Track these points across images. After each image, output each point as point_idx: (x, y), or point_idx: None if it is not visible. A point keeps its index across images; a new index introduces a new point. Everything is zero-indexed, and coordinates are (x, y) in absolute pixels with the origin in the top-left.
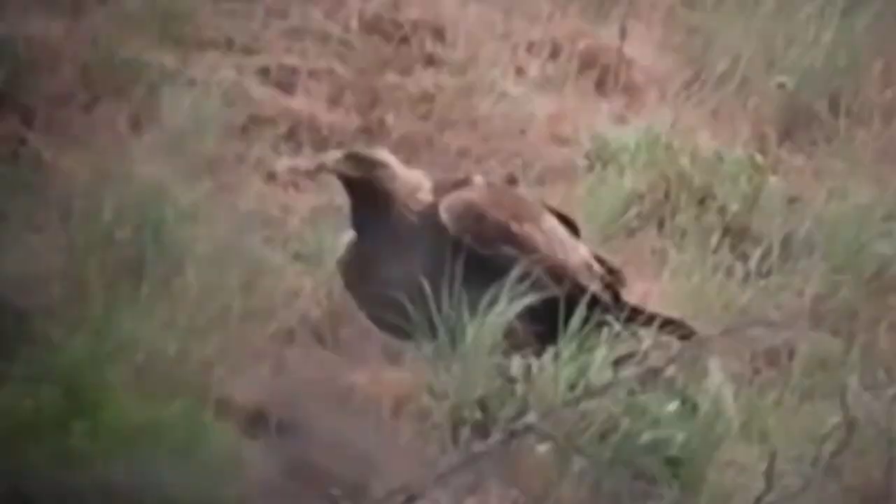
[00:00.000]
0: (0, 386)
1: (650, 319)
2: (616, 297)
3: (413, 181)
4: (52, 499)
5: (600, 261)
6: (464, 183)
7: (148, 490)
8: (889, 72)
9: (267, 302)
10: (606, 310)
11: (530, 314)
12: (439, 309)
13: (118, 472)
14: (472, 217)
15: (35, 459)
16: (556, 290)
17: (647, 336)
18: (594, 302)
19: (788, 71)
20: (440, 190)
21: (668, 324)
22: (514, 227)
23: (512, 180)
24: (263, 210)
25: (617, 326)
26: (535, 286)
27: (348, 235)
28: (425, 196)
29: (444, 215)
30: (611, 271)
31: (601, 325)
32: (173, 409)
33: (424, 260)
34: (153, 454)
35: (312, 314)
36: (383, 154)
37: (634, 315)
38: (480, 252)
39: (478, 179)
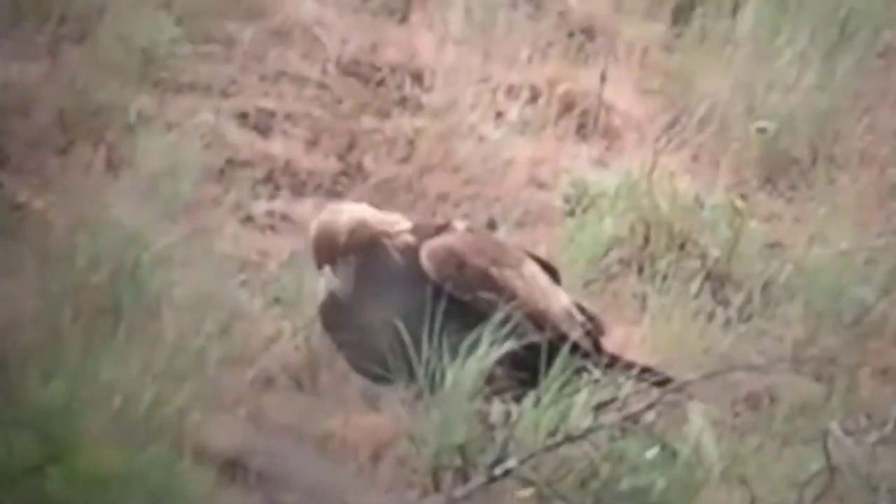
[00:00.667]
0: None
1: (628, 367)
2: (596, 345)
3: (392, 226)
4: None
5: (581, 308)
6: (445, 228)
7: None
8: (870, 117)
9: (245, 347)
10: (586, 356)
11: (511, 360)
12: (419, 354)
13: None
14: (454, 263)
15: None
16: (536, 337)
17: (629, 381)
18: (574, 349)
19: (768, 115)
20: (421, 234)
21: (645, 372)
22: (495, 273)
23: (492, 225)
24: (241, 254)
25: (597, 373)
26: (516, 332)
27: (326, 281)
28: (405, 239)
29: (425, 261)
30: (591, 319)
31: (581, 370)
32: (150, 456)
33: (404, 304)
34: (129, 501)
35: (291, 359)
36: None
37: (613, 362)
38: (461, 297)
39: (458, 225)
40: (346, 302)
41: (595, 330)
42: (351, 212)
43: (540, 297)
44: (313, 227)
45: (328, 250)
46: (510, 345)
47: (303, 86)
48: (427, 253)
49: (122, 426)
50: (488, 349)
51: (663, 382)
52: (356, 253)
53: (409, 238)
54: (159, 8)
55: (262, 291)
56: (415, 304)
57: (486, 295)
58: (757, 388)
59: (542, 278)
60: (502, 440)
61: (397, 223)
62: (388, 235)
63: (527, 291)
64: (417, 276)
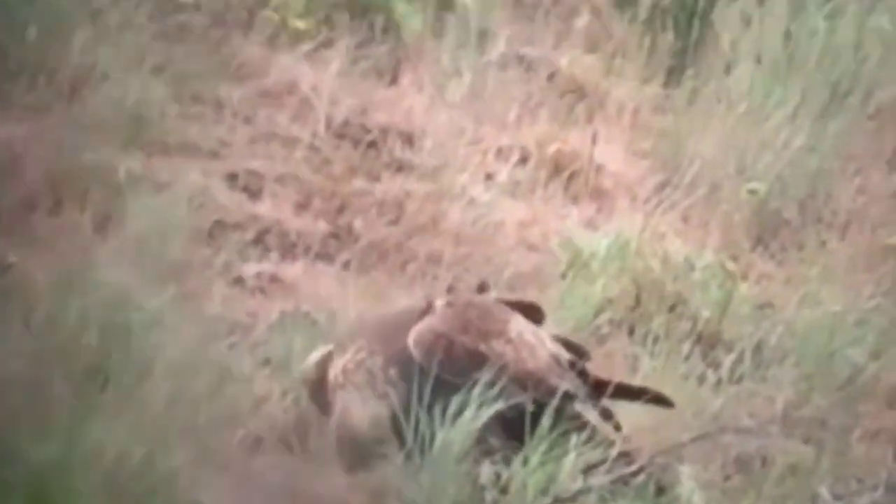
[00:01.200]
0: None
1: (623, 392)
2: (584, 377)
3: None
4: None
5: (564, 343)
6: (427, 310)
7: None
8: (861, 178)
9: (234, 408)
10: (580, 401)
11: (500, 421)
12: (407, 417)
13: None
14: (442, 347)
15: None
16: (522, 397)
17: (618, 442)
18: (566, 397)
19: (759, 177)
20: (407, 321)
21: (642, 393)
22: (483, 348)
23: (483, 287)
24: (230, 315)
25: (593, 417)
26: (504, 393)
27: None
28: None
29: (413, 348)
30: (575, 351)
31: (569, 432)
32: None
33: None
34: None
35: (280, 421)
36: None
37: (604, 389)
38: (452, 381)
39: (438, 303)
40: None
41: (581, 360)
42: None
43: (528, 357)
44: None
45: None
46: (498, 406)
47: (293, 147)
48: (415, 339)
49: (113, 486)
50: (476, 411)
51: (661, 403)
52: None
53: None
54: (148, 69)
55: (251, 353)
56: (404, 381)
57: (477, 374)
58: (747, 450)
59: (528, 331)
60: (492, 502)
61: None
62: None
63: (515, 355)
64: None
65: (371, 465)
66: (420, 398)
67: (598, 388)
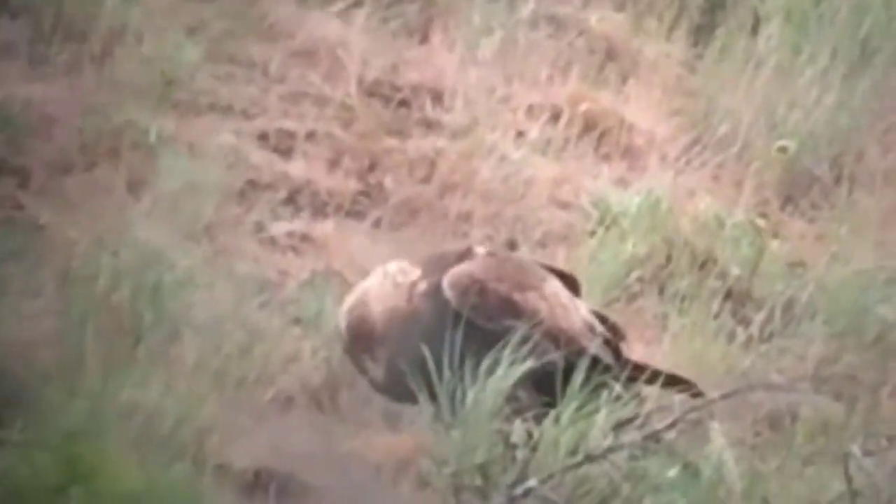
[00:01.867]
0: None
1: (653, 377)
2: (616, 354)
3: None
4: None
5: (600, 317)
6: (465, 255)
7: None
8: (891, 136)
9: (265, 367)
10: (608, 370)
11: (532, 379)
12: (440, 374)
13: None
14: (475, 291)
15: None
16: (555, 355)
17: (649, 399)
18: (595, 363)
19: (790, 135)
20: (435, 269)
21: (671, 381)
22: (517, 297)
23: (512, 245)
24: (261, 274)
25: (618, 388)
26: (535, 351)
27: (350, 301)
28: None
29: (447, 290)
30: (611, 328)
31: (601, 387)
32: (172, 475)
33: (426, 327)
34: None
35: (311, 379)
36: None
37: (637, 372)
38: (484, 326)
39: (479, 250)
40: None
41: (616, 338)
42: (376, 297)
43: (562, 316)
44: (344, 320)
45: (365, 342)
46: (529, 364)
47: (324, 106)
48: (449, 282)
49: (144, 446)
50: (508, 369)
51: (690, 393)
52: (389, 334)
53: (422, 285)
54: (180, 29)
55: (282, 311)
56: (436, 329)
57: (509, 322)
58: (778, 407)
59: (564, 294)
60: (523, 460)
61: (409, 274)
62: (409, 298)
63: (548, 311)
64: (437, 307)
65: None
66: (451, 350)
67: (630, 368)
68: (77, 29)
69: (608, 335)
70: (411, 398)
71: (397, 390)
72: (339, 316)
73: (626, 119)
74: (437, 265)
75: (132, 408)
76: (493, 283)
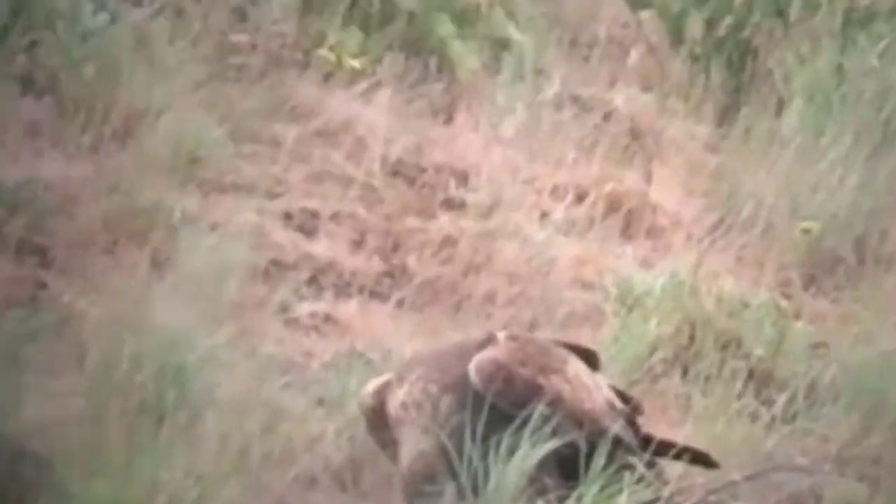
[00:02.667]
0: None
1: (669, 450)
2: (636, 431)
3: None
4: None
5: (618, 393)
6: (487, 341)
7: None
8: None
9: (288, 447)
10: (629, 450)
11: (554, 460)
12: (461, 455)
13: None
14: (502, 377)
15: None
16: (576, 434)
17: (671, 481)
18: (617, 443)
19: (813, 216)
20: (463, 353)
21: (688, 454)
22: (542, 382)
23: (536, 326)
24: (285, 355)
25: (640, 467)
26: (558, 432)
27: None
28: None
29: (473, 378)
30: (629, 403)
31: (624, 468)
32: None
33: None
34: None
35: (334, 460)
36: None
37: (656, 448)
38: (511, 413)
39: (500, 335)
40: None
41: (634, 412)
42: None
43: (585, 397)
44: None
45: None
46: (551, 445)
47: (347, 186)
48: (475, 369)
49: None
50: (530, 450)
51: (708, 465)
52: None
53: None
54: (203, 108)
55: (305, 392)
56: (457, 421)
57: (534, 406)
58: (801, 488)
59: (585, 374)
60: None
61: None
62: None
63: (572, 394)
64: (459, 400)
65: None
66: (473, 430)
67: (646, 443)
68: (100, 108)
69: (628, 412)
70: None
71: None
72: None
73: (650, 199)
74: (456, 355)
75: (155, 488)
76: (518, 368)
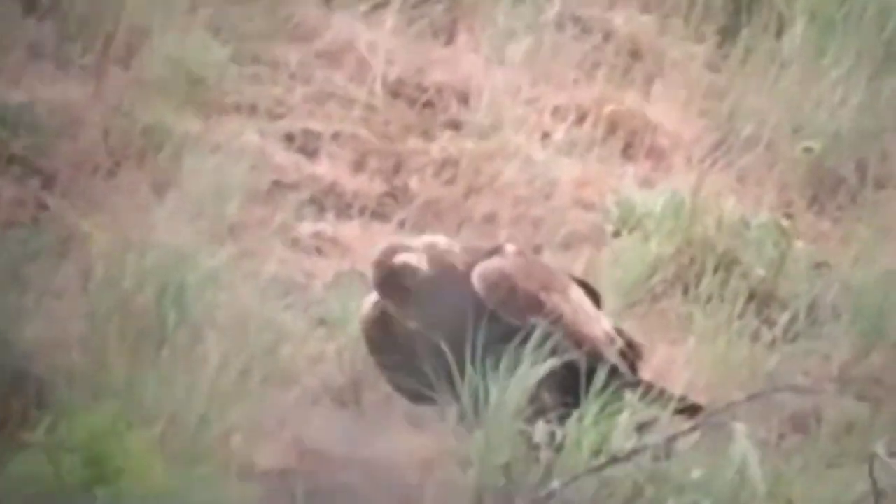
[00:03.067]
0: (21, 453)
1: (662, 397)
2: (633, 370)
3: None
4: None
5: (621, 333)
6: (496, 251)
7: None
8: None
9: (289, 367)
10: (624, 384)
11: (554, 380)
12: (462, 374)
13: None
14: (505, 287)
15: None
16: (576, 354)
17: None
18: (613, 373)
19: (815, 135)
20: (472, 257)
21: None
22: (544, 297)
23: (537, 248)
24: (286, 275)
25: (633, 397)
26: (557, 351)
27: (373, 297)
28: (455, 261)
29: (477, 283)
30: (630, 345)
31: (623, 389)
32: (196, 476)
33: (448, 325)
34: None
35: (335, 380)
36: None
37: (649, 390)
38: (511, 322)
39: (509, 248)
40: (390, 318)
41: (634, 355)
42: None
43: (584, 321)
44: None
45: (399, 293)
46: (551, 363)
47: (349, 107)
48: (479, 275)
49: (169, 447)
50: (530, 368)
51: (696, 411)
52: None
53: (458, 262)
54: (206, 29)
55: (307, 312)
56: (459, 325)
57: (535, 320)
58: (802, 408)
59: (587, 304)
60: (546, 461)
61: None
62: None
63: (573, 314)
64: (463, 298)
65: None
66: (474, 348)
67: (646, 388)
68: (102, 30)
69: (628, 352)
70: (428, 399)
71: (411, 379)
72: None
73: (651, 120)
74: (468, 257)
75: (157, 407)
76: (523, 281)
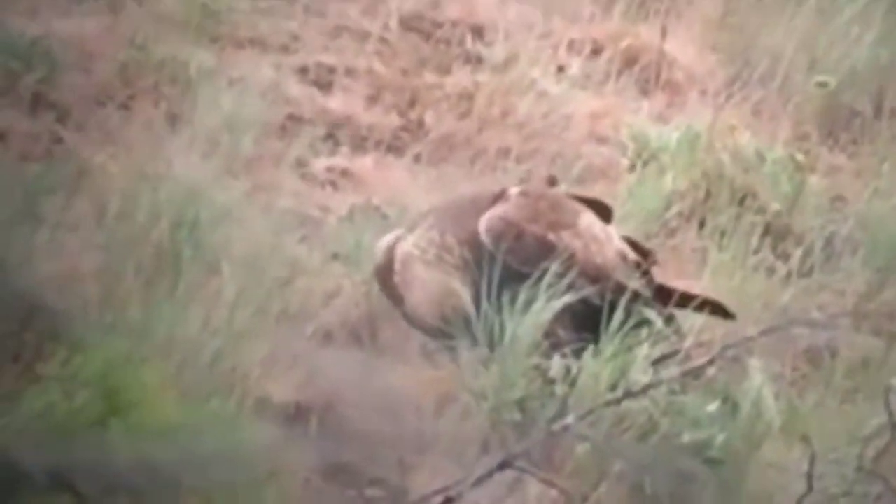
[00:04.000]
0: (35, 386)
1: (686, 300)
2: (650, 281)
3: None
4: (95, 480)
5: (632, 244)
6: (499, 196)
7: (189, 468)
8: None
9: (304, 302)
10: (645, 303)
11: (570, 315)
12: (477, 310)
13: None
14: (512, 235)
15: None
16: (592, 290)
17: (689, 334)
18: (632, 296)
19: (830, 70)
20: (476, 207)
21: (705, 304)
22: (552, 238)
23: (553, 181)
24: (301, 209)
25: (656, 320)
26: (572, 286)
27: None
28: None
29: (483, 234)
30: (643, 254)
31: (641, 324)
32: (211, 409)
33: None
34: (191, 454)
35: (351, 315)
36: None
37: (670, 296)
38: (520, 270)
39: (512, 190)
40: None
41: (648, 263)
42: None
43: (596, 251)
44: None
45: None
46: (566, 299)
47: (363, 41)
48: (485, 227)
49: (184, 380)
50: (545, 304)
51: (722, 315)
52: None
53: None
54: None
55: (322, 246)
56: (473, 270)
57: (545, 263)
58: (817, 343)
59: (597, 226)
60: (562, 395)
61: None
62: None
63: (583, 249)
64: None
65: (448, 341)
66: (489, 287)
67: (660, 294)
68: None
69: (640, 261)
70: (446, 334)
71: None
72: (376, 251)
73: (666, 54)
74: (469, 210)
75: (172, 342)
76: (528, 225)
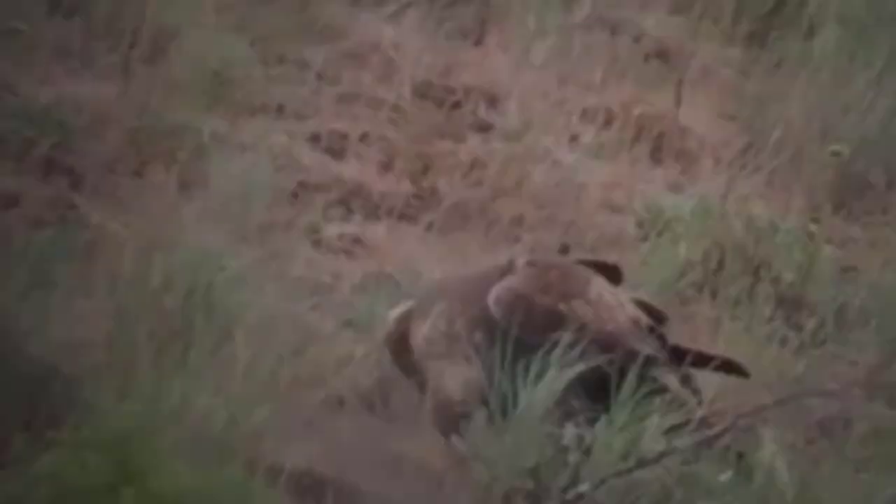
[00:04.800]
0: (48, 452)
1: (700, 360)
2: (663, 343)
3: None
4: None
5: (642, 305)
6: (507, 269)
7: None
8: None
9: (317, 369)
10: (660, 365)
11: (583, 383)
12: (491, 379)
13: None
14: (522, 307)
15: None
16: (604, 359)
17: (702, 404)
18: (646, 360)
19: (843, 139)
20: (485, 282)
21: (720, 364)
22: (563, 308)
23: (565, 250)
24: (313, 277)
25: (672, 381)
26: (584, 355)
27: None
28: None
29: (493, 307)
30: (654, 314)
31: (655, 392)
32: (223, 477)
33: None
34: None
35: (363, 382)
36: None
37: (685, 356)
38: (531, 343)
39: (519, 261)
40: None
41: (660, 326)
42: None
43: (608, 319)
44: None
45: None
46: (579, 368)
47: (377, 108)
48: (495, 301)
49: (196, 447)
50: (558, 373)
51: (737, 373)
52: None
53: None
54: (232, 29)
55: (334, 314)
56: (485, 342)
57: (556, 335)
58: (831, 413)
59: (607, 293)
60: (574, 464)
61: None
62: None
63: (595, 317)
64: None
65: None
66: (502, 357)
67: (675, 354)
68: (129, 28)
69: (653, 323)
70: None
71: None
72: (388, 321)
73: (680, 123)
74: (478, 286)
75: (184, 409)
76: (538, 297)
